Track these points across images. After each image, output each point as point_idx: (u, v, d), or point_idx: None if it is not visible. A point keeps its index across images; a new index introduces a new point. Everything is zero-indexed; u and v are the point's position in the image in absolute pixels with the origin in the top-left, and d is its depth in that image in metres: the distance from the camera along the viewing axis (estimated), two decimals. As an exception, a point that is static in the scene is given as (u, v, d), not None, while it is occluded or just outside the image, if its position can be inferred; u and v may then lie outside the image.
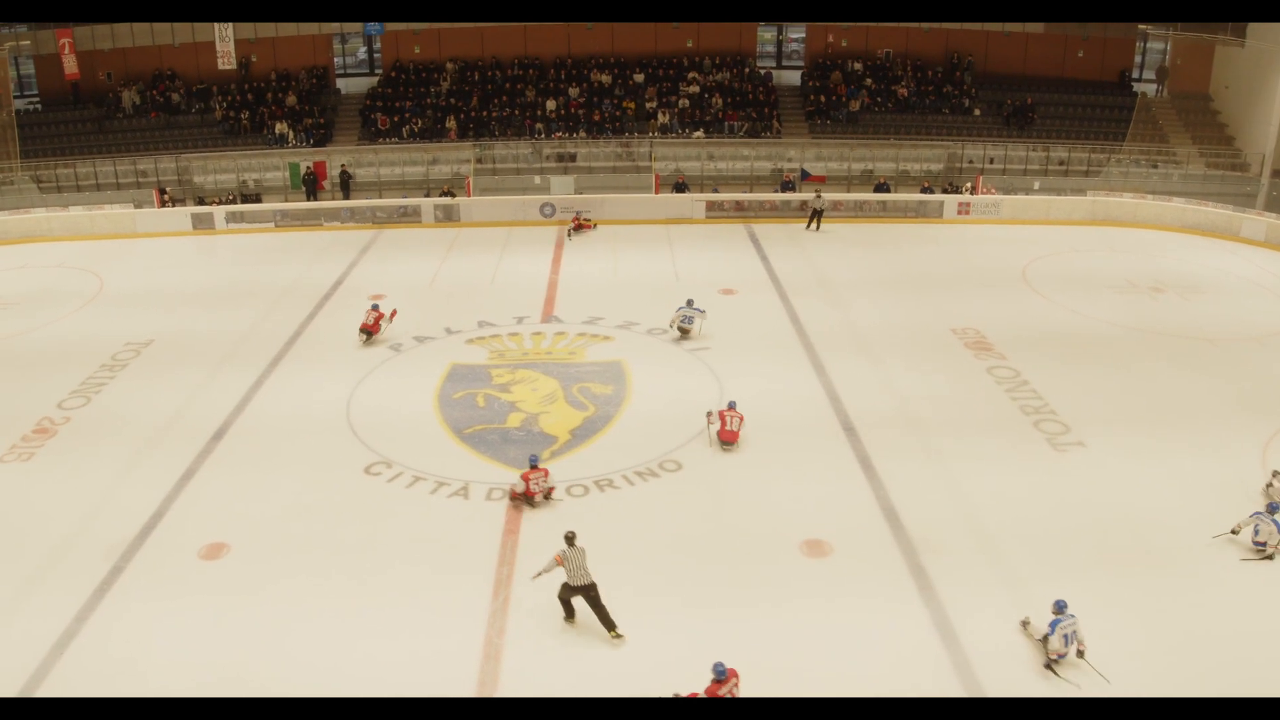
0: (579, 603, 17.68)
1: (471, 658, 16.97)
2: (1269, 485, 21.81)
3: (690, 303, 30.96)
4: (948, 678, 16.69)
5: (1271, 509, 20.36)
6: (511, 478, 22.10)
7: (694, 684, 15.85)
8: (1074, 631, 16.87)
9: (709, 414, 24.51)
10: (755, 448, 24.12)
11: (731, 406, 24.34)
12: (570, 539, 18.24)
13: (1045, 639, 16.83)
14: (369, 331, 30.02)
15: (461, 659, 16.93)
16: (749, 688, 15.94)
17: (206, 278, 36.77)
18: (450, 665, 16.78)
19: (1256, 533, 20.19)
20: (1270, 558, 19.92)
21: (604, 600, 17.58)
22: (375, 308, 30.35)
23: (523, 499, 21.34)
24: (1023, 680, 16.65)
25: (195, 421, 25.27)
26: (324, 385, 27.17)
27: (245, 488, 22.24)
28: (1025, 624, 17.71)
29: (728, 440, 23.94)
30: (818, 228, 42.61)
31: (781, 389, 27.23)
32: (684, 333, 30.44)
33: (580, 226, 42.03)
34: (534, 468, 21.53)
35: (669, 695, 15.88)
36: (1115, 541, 20.58)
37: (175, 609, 18.20)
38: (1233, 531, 20.58)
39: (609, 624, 17.60)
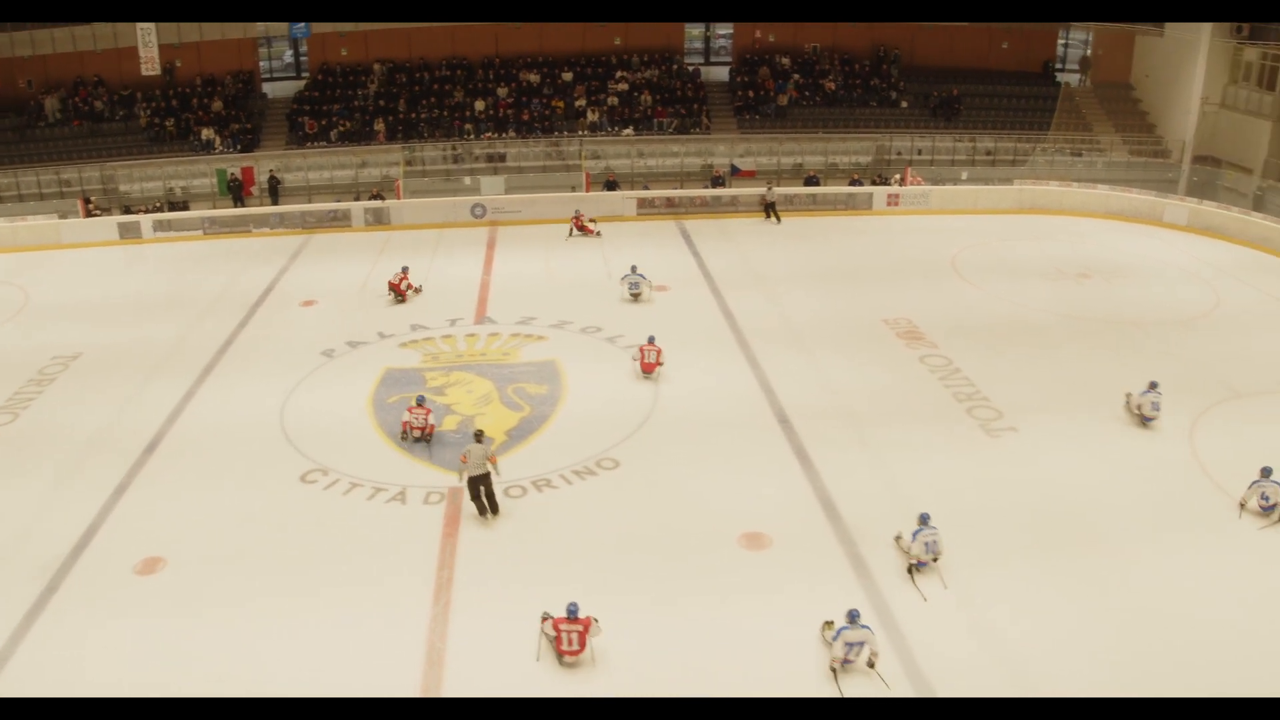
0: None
1: (414, 663, 16.93)
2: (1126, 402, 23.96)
3: (634, 269, 33.21)
4: (890, 665, 16.86)
5: (1265, 472, 21.26)
6: (448, 480, 22.11)
7: (643, 687, 16.07)
8: (934, 541, 19.04)
9: (639, 346, 27.91)
10: (692, 442, 24.27)
11: (650, 341, 27.51)
12: (478, 436, 21.69)
13: (908, 547, 19.20)
14: (394, 290, 33.06)
15: (404, 664, 16.88)
16: (696, 686, 16.14)
17: (134, 287, 36.30)
18: (393, 671, 16.72)
19: (1265, 499, 21.09)
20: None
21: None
22: (405, 270, 32.70)
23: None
24: (963, 665, 16.90)
25: (127, 434, 24.94)
26: (257, 394, 26.93)
27: (180, 500, 21.99)
28: (898, 538, 19.80)
29: (647, 371, 27.30)
30: (777, 220, 43.15)
31: (716, 384, 27.39)
32: (635, 297, 32.78)
33: (583, 229, 41.33)
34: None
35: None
36: (1050, 524, 20.96)
37: (112, 626, 17.98)
38: (1241, 506, 21.36)
39: (493, 509, 21.14)
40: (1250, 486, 21.35)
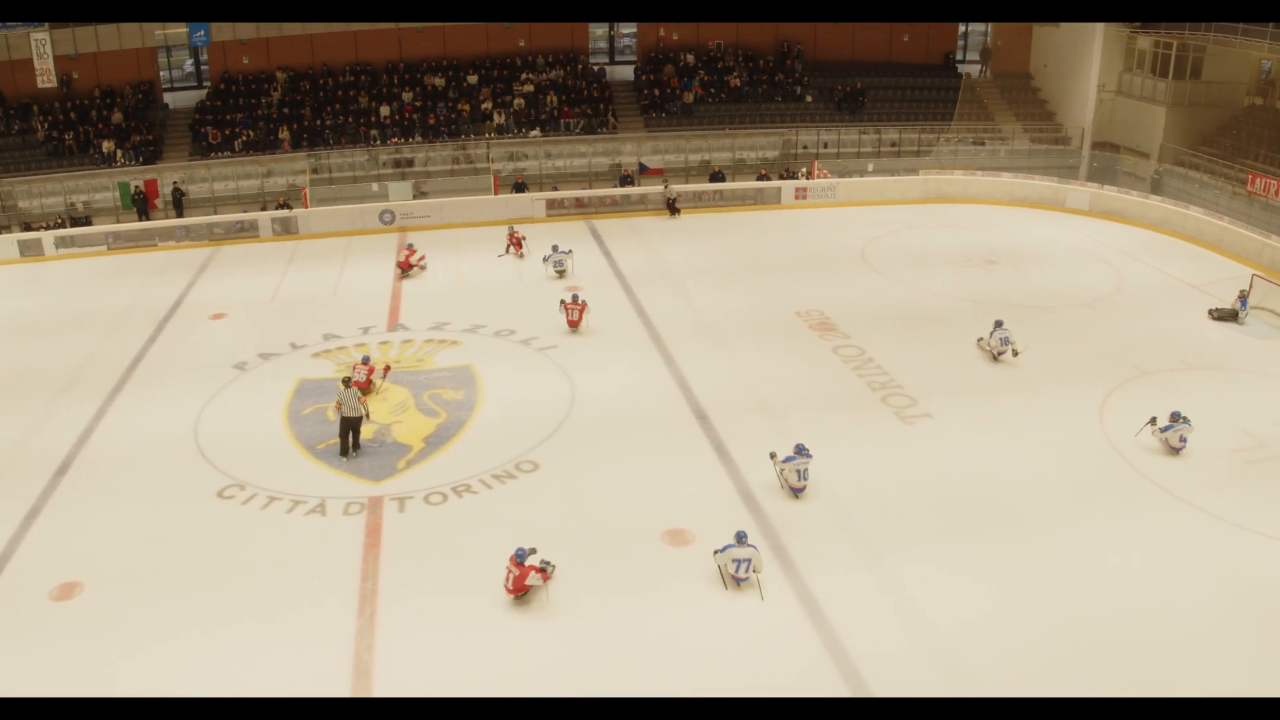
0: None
1: (342, 676, 16.84)
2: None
3: (555, 247, 34.82)
4: (818, 654, 17.13)
5: (1175, 416, 23.51)
6: (368, 490, 22.04)
7: (571, 688, 16.20)
8: (805, 469, 21.73)
9: (562, 302, 30.76)
10: (611, 441, 24.39)
11: (575, 299, 30.17)
12: (345, 381, 24.96)
13: (781, 468, 21.90)
14: (403, 268, 33.71)
15: (332, 678, 16.78)
16: (625, 685, 16.25)
17: (38, 306, 35.55)
18: (321, 685, 16.61)
19: (1183, 441, 23.52)
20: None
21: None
22: (410, 246, 33.96)
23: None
24: (888, 653, 17.16)
25: (36, 457, 24.40)
26: (169, 410, 26.51)
27: (94, 522, 21.58)
28: (773, 455, 22.23)
29: (572, 326, 30.02)
30: (677, 214, 43.72)
31: (633, 382, 27.54)
32: (560, 274, 34.32)
33: (517, 245, 39.03)
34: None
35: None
36: (969, 508, 21.44)
37: (29, 654, 17.62)
38: (1151, 422, 23.94)
39: (355, 447, 24.00)
40: (1167, 430, 23.35)
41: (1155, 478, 22.53)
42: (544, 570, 18.66)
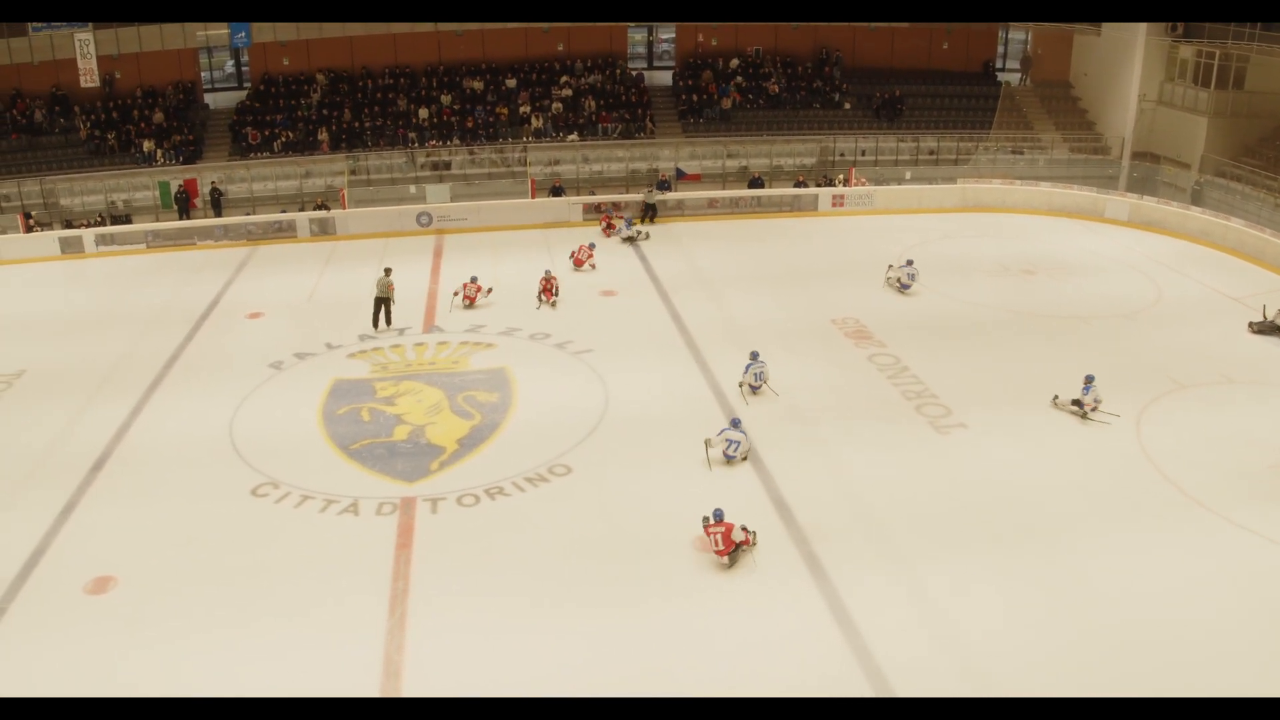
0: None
1: (372, 676, 16.86)
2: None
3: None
4: (847, 663, 17.03)
5: (1089, 378, 25.62)
6: (400, 491, 22.10)
7: (604, 691, 16.26)
8: (762, 372, 26.56)
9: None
10: (644, 446, 24.36)
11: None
12: (386, 271, 31.70)
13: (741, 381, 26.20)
14: (468, 300, 33.43)
15: (362, 678, 16.80)
16: (657, 688, 16.27)
17: (78, 303, 35.94)
18: (351, 684, 16.64)
19: (1097, 401, 25.44)
20: (1085, 416, 25.54)
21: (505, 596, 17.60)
22: (474, 280, 33.53)
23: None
24: (915, 660, 17.04)
25: (73, 453, 24.60)
26: (205, 408, 26.68)
27: (129, 518, 21.73)
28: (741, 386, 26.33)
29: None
30: (651, 221, 43.60)
31: (667, 388, 27.50)
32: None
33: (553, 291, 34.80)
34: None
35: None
36: (1002, 518, 21.25)
37: (63, 646, 17.76)
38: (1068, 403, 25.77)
39: (388, 322, 31.22)
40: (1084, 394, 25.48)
41: (1191, 492, 22.28)
42: (747, 531, 19.83)
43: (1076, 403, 25.61)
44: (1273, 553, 20.14)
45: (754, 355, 26.87)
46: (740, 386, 26.94)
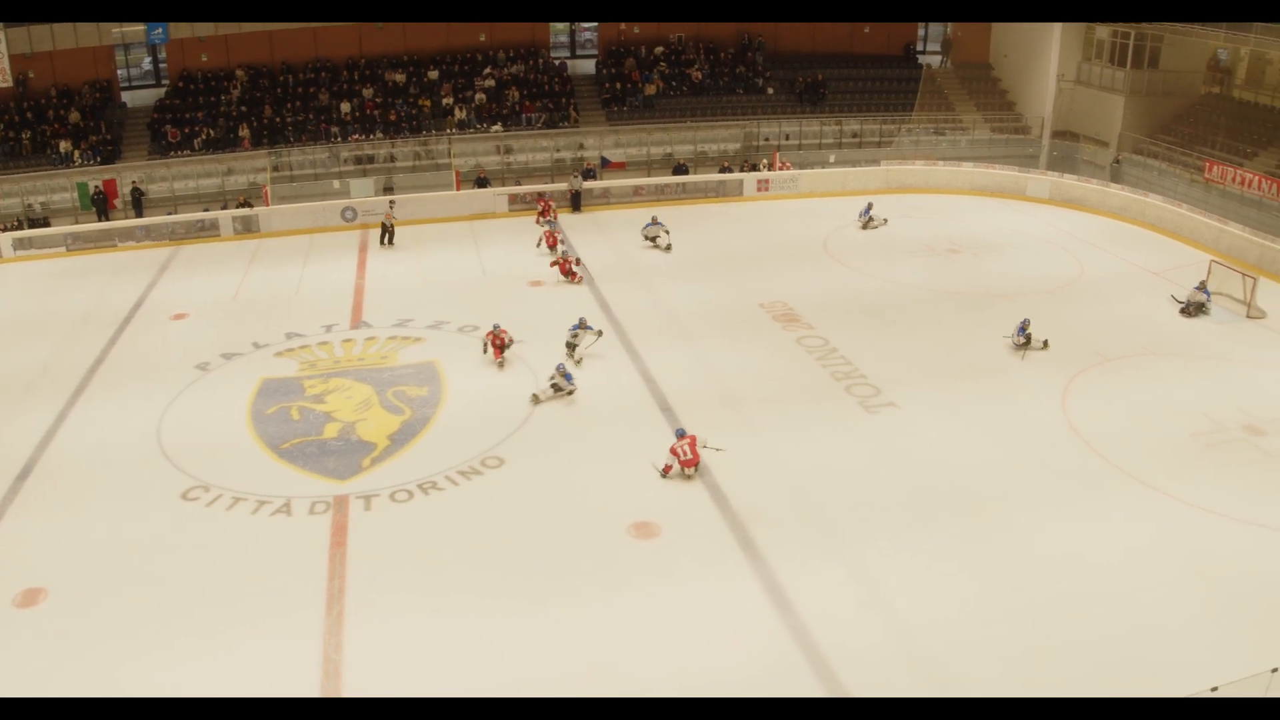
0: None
1: (312, 676, 16.84)
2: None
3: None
4: (787, 646, 17.26)
5: (1025, 322, 28.46)
6: (332, 488, 22.01)
7: (546, 685, 16.33)
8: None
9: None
10: (577, 436, 24.48)
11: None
12: (391, 203, 38.74)
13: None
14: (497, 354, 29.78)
15: (301, 679, 16.77)
16: (598, 680, 16.36)
17: (-3, 309, 35.34)
18: (290, 685, 16.59)
19: (1022, 334, 28.36)
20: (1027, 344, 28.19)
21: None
22: (495, 328, 28.90)
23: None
24: (858, 644, 17.31)
25: (-3, 462, 24.26)
26: (131, 413, 26.35)
27: (58, 527, 21.41)
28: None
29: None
30: (574, 210, 44.00)
31: (599, 376, 27.51)
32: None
33: (569, 274, 35.44)
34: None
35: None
36: (938, 497, 21.68)
37: (-7, 659, 17.54)
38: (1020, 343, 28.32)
39: (390, 242, 37.35)
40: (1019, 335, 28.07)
41: (1119, 462, 22.83)
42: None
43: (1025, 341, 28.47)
44: (1205, 521, 20.76)
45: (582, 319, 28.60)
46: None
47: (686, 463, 22.03)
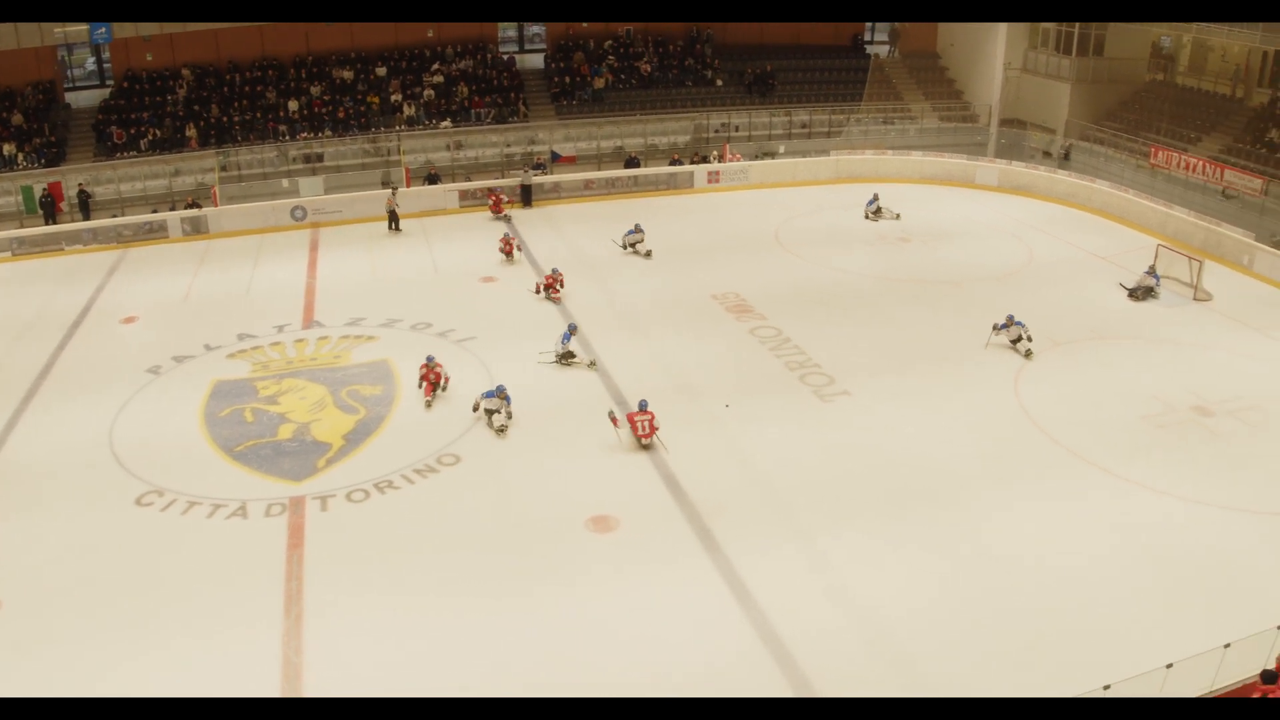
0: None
1: (271, 678, 16.80)
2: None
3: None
4: (748, 636, 17.41)
5: (1010, 318, 27.96)
6: (287, 490, 21.93)
7: (507, 683, 16.36)
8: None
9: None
10: (532, 432, 24.46)
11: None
12: (393, 190, 38.41)
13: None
14: (549, 288, 32.56)
15: (261, 680, 16.73)
16: (560, 675, 16.35)
17: (-57, 315, 34.82)
18: (250, 688, 16.54)
19: (1008, 327, 27.79)
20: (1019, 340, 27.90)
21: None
22: (430, 360, 26.67)
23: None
24: (820, 633, 17.48)
25: (-54, 470, 23.91)
26: (82, 418, 26.07)
27: (9, 536, 21.18)
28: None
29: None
30: (525, 205, 43.91)
31: (552, 371, 27.53)
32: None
33: (550, 287, 33.42)
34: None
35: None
36: (894, 484, 21.91)
37: (-54, 669, 17.36)
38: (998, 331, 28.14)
39: (397, 229, 37.68)
40: (1002, 329, 27.82)
41: (1070, 445, 23.16)
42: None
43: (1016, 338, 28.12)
44: (1160, 503, 21.12)
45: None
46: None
47: (643, 435, 23.14)
